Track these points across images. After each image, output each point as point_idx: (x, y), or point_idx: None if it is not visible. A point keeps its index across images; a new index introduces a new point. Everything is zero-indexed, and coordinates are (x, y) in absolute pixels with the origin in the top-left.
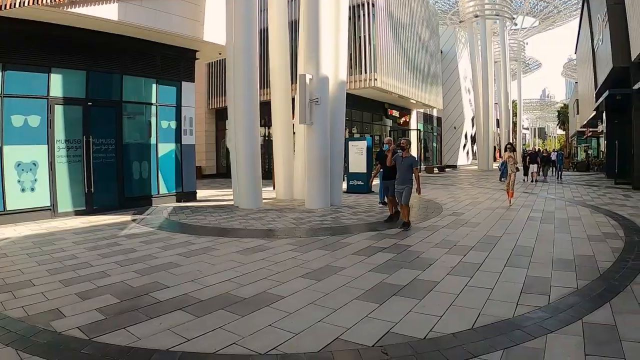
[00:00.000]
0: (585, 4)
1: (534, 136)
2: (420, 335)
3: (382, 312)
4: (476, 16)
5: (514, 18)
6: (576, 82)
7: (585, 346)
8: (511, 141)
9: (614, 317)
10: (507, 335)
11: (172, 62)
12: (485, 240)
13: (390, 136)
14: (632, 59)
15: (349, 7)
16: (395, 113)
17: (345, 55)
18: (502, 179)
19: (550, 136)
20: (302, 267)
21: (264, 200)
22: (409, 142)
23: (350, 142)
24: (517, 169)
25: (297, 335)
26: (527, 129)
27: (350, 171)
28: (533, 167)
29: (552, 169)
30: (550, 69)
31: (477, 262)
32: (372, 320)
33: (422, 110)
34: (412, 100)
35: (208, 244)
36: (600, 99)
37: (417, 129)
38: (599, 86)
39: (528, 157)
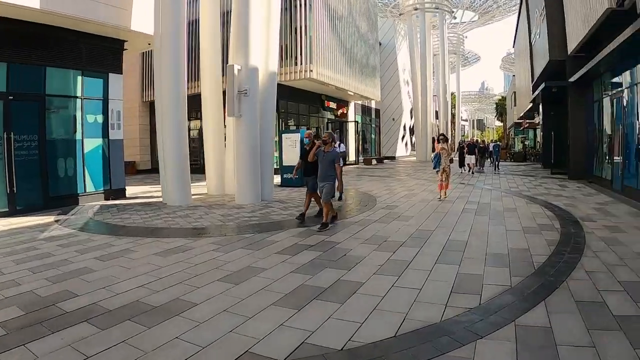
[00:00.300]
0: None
1: (473, 127)
2: (338, 346)
3: (300, 319)
4: (416, 9)
5: (453, 11)
6: (514, 75)
7: (518, 353)
8: (444, 132)
9: (549, 318)
10: (432, 342)
11: (99, 53)
12: (418, 235)
13: (328, 129)
14: (569, 53)
15: None
16: (333, 105)
17: (277, 46)
18: (437, 170)
19: (488, 127)
20: (221, 269)
21: (194, 196)
22: (332, 136)
23: (283, 135)
24: (452, 161)
25: (203, 350)
26: (466, 120)
27: (284, 164)
28: (470, 159)
29: (489, 159)
30: (489, 63)
31: (407, 260)
32: (288, 329)
33: (360, 102)
34: (349, 92)
35: (128, 246)
36: (537, 91)
37: (354, 121)
38: (535, 79)
39: (466, 149)
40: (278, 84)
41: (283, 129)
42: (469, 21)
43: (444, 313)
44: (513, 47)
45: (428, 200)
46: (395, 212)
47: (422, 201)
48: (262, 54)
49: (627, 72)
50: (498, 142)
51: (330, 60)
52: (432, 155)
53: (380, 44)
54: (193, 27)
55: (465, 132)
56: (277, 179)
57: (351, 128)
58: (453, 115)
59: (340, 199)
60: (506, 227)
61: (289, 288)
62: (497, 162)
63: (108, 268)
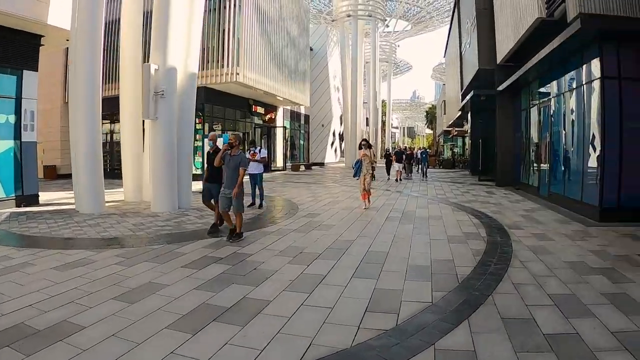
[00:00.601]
0: (456, 10)
1: (404, 135)
2: None
3: (193, 346)
4: (349, 16)
5: (386, 19)
6: (444, 84)
7: None
8: (366, 138)
9: (473, 340)
10: None
11: (12, 47)
12: (337, 246)
13: (256, 134)
14: (498, 62)
15: None
16: (261, 110)
17: (198, 46)
18: (357, 178)
19: (419, 135)
20: (119, 285)
21: (109, 204)
22: (239, 138)
23: (206, 140)
24: (374, 169)
25: None
26: (397, 128)
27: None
28: (399, 166)
29: (417, 166)
30: (421, 72)
31: (321, 274)
32: (177, 358)
33: (289, 108)
34: (278, 97)
35: (26, 259)
36: (466, 99)
37: (283, 127)
38: (464, 87)
39: (393, 156)
40: (204, 87)
41: (209, 133)
42: (402, 30)
43: (356, 337)
44: (444, 56)
45: (352, 208)
46: (316, 221)
47: (345, 209)
48: (182, 54)
49: (555, 82)
50: (427, 149)
51: (258, 63)
52: (353, 162)
53: (311, 50)
54: (114, 27)
55: (396, 140)
56: (199, 186)
57: (279, 134)
58: (384, 123)
59: (260, 206)
60: (430, 236)
61: (188, 308)
62: (425, 169)
63: (0, 285)
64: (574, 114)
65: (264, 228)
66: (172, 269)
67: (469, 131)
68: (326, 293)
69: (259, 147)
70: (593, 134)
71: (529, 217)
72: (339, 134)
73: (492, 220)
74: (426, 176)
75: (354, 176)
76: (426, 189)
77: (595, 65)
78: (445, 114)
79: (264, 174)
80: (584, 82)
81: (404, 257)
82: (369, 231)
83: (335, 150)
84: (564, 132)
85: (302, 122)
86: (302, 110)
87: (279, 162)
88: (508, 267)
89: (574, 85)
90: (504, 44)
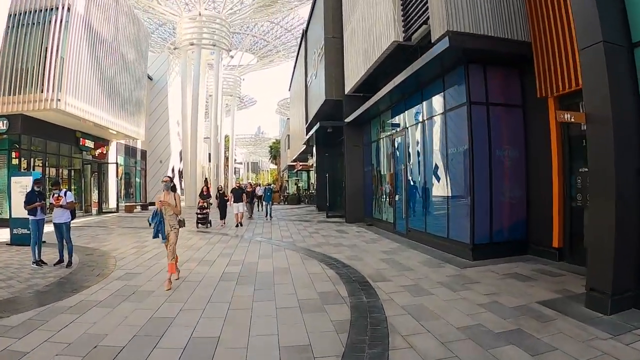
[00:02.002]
0: (303, 41)
1: (248, 170)
2: None
3: None
4: (192, 44)
5: (230, 50)
6: (288, 119)
7: None
8: (170, 176)
9: None
10: None
11: None
12: (148, 331)
13: (85, 170)
14: (347, 92)
15: (37, 10)
16: (90, 143)
17: None
18: (162, 240)
19: (263, 170)
20: None
21: None
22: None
23: (13, 178)
24: (181, 223)
25: None
26: (241, 163)
27: (13, 216)
28: (238, 207)
29: (259, 205)
30: (265, 107)
31: None
32: None
33: (123, 142)
34: (111, 130)
35: None
36: (311, 132)
37: (116, 163)
38: (310, 120)
39: (229, 195)
40: (21, 115)
41: (24, 169)
42: (247, 64)
43: None
44: (289, 90)
45: (182, 262)
46: (133, 285)
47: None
48: None
49: (410, 111)
50: (271, 185)
51: (85, 89)
52: (150, 216)
53: (150, 79)
54: None
55: (240, 175)
56: (6, 235)
57: (112, 171)
58: (227, 158)
59: (69, 264)
60: (277, 304)
61: None
62: (269, 209)
63: None
64: (433, 144)
65: (60, 301)
66: None
67: (314, 165)
68: None
69: (64, 190)
70: (457, 165)
71: (393, 262)
72: (179, 170)
73: (351, 270)
74: (270, 216)
75: (154, 237)
76: (270, 230)
77: (460, 90)
78: (289, 148)
79: (71, 222)
80: (445, 109)
81: (240, 347)
82: (196, 299)
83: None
84: (422, 164)
85: (139, 157)
86: (139, 145)
87: (112, 203)
88: (388, 350)
89: (433, 113)
90: (354, 73)
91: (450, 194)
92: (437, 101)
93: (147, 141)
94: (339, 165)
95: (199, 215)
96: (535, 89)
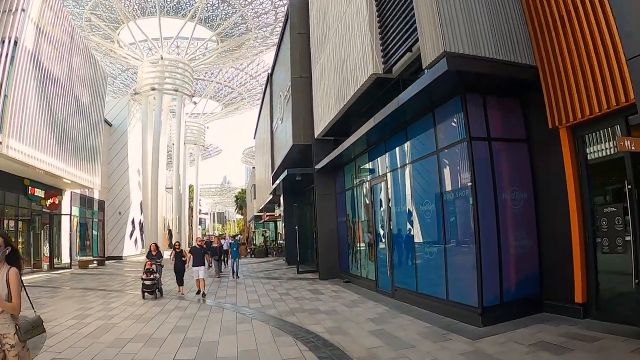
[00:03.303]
0: (269, 85)
1: (214, 221)
2: None
3: None
4: (153, 89)
5: (193, 95)
6: (254, 168)
7: None
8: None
9: None
10: None
11: None
12: None
13: (35, 222)
14: (317, 135)
15: None
16: (40, 192)
17: None
18: None
19: (229, 220)
20: None
21: None
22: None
23: None
24: (28, 332)
25: None
26: (207, 214)
27: None
28: (199, 272)
29: (223, 261)
30: (231, 156)
31: None
32: None
33: (78, 191)
34: (64, 179)
35: None
36: (278, 181)
37: (70, 214)
38: (276, 168)
39: (187, 256)
40: None
41: None
42: (210, 113)
43: None
44: (254, 138)
45: (125, 339)
46: None
47: (116, 340)
48: None
49: (388, 155)
50: (237, 237)
51: (33, 132)
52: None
53: (110, 125)
54: None
55: (206, 226)
56: None
57: (65, 223)
58: (191, 209)
59: None
60: None
61: None
62: (236, 266)
63: None
64: (423, 188)
65: None
66: None
67: (281, 215)
68: None
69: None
70: (457, 211)
71: (385, 335)
72: (140, 222)
73: (336, 352)
74: (237, 275)
75: None
76: (236, 292)
77: (456, 124)
78: (255, 198)
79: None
80: (438, 148)
81: None
82: None
83: (136, 241)
84: (410, 211)
85: (96, 208)
86: (96, 195)
87: (65, 257)
88: None
89: (423, 153)
90: (325, 115)
91: (447, 245)
92: (427, 139)
93: (105, 191)
94: (309, 215)
95: (146, 282)
96: (541, 120)
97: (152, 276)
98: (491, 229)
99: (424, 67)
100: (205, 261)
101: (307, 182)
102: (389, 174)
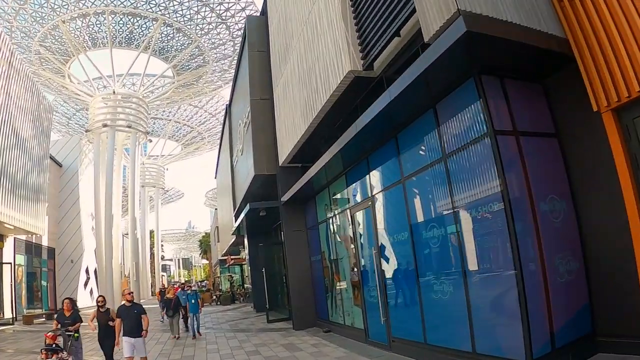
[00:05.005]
0: (227, 117)
1: (179, 267)
2: None
3: None
4: (105, 125)
5: (148, 132)
6: (216, 209)
7: None
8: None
9: None
10: None
11: None
12: None
13: None
14: (281, 162)
15: None
16: None
17: None
18: None
19: (195, 266)
20: None
21: None
22: None
23: None
24: None
25: None
26: (171, 260)
27: None
28: (128, 346)
29: (181, 315)
30: (195, 200)
31: None
32: None
33: (24, 238)
34: (6, 225)
35: None
36: (240, 217)
37: (11, 263)
38: (238, 205)
39: (114, 321)
40: None
41: None
42: (169, 154)
43: None
44: (215, 178)
45: None
46: None
47: None
48: None
49: (373, 174)
50: (195, 286)
51: None
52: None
53: (60, 166)
54: None
55: (171, 273)
56: None
57: (6, 272)
58: (153, 255)
59: None
60: None
61: None
62: (195, 323)
63: None
64: (426, 209)
65: None
66: None
67: (247, 258)
68: None
69: None
70: (482, 228)
71: None
72: (94, 270)
73: None
74: (198, 332)
75: None
76: (193, 353)
77: (470, 116)
78: (219, 241)
79: None
80: (446, 153)
81: None
82: None
83: (92, 291)
84: (412, 240)
85: (45, 256)
86: (45, 242)
87: (7, 312)
88: None
89: (423, 163)
90: (290, 136)
91: (471, 279)
92: (428, 144)
93: (55, 237)
94: (278, 255)
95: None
96: (573, 109)
97: (54, 358)
98: (533, 249)
99: (426, 40)
100: (143, 329)
101: (273, 218)
102: (377, 196)
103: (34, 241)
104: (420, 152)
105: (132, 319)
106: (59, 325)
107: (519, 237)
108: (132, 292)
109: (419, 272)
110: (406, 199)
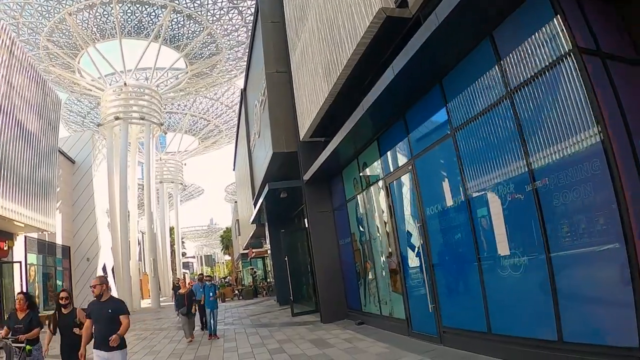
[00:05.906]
0: (243, 102)
1: (202, 264)
2: None
3: None
4: (117, 118)
5: (162, 124)
6: (236, 202)
7: None
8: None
9: None
10: None
11: None
12: None
13: None
14: (302, 137)
15: None
16: None
17: None
18: None
19: (218, 263)
20: None
21: None
22: None
23: None
24: None
25: None
26: (194, 257)
27: None
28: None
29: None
30: (216, 196)
31: None
32: None
33: (35, 236)
34: (16, 222)
35: None
36: (259, 203)
37: (21, 262)
38: (257, 191)
39: (90, 322)
40: None
41: None
42: (187, 149)
43: None
44: (233, 170)
45: None
46: None
47: None
48: None
49: (410, 134)
50: (222, 280)
51: None
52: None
53: (73, 162)
54: None
55: (194, 270)
56: None
57: (16, 272)
58: (174, 252)
59: None
60: None
61: None
62: (212, 320)
63: None
64: (487, 167)
65: None
66: None
67: (268, 250)
68: None
69: None
70: (571, 188)
71: None
72: (112, 269)
73: None
74: (215, 333)
75: None
76: (208, 353)
77: (544, 38)
78: (239, 235)
79: None
80: (511, 87)
81: None
82: None
83: (109, 290)
84: (469, 208)
85: (60, 255)
86: (59, 240)
87: None
88: None
89: (483, 107)
90: (311, 106)
91: (555, 254)
92: (484, 83)
93: (70, 235)
94: (301, 243)
95: None
96: None
97: None
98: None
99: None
100: (119, 332)
101: (295, 200)
102: (420, 158)
103: (47, 240)
104: (474, 94)
105: (105, 321)
106: (10, 333)
107: (625, 179)
108: (104, 283)
109: (479, 248)
110: (458, 155)
